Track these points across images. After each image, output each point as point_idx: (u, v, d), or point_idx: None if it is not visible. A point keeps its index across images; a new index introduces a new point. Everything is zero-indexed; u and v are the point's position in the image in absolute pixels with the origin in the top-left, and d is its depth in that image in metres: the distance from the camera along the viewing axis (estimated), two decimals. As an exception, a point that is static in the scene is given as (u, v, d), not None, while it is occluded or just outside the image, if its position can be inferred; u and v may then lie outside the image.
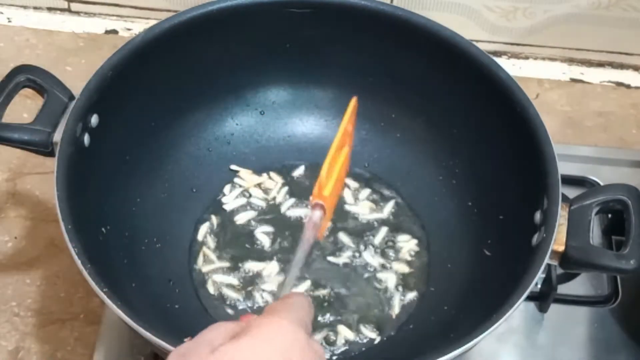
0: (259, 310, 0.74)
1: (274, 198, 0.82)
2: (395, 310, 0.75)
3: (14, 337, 0.76)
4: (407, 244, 0.79)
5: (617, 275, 0.80)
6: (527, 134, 0.71)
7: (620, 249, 0.66)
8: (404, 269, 0.78)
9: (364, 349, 0.73)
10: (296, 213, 0.81)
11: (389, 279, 0.77)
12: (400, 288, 0.77)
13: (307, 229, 0.56)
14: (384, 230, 0.80)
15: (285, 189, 0.83)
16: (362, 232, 0.80)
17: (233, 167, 0.83)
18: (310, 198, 0.57)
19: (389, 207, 0.82)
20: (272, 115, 0.86)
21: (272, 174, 0.84)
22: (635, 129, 0.96)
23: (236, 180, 0.83)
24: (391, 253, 0.79)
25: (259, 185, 0.83)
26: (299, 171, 0.84)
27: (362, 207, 0.82)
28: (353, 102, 0.59)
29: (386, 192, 0.83)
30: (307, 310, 0.53)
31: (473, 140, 0.79)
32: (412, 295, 0.77)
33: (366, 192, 0.83)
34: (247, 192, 0.82)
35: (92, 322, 0.77)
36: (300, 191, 0.83)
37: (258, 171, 0.84)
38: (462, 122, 0.80)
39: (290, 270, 0.56)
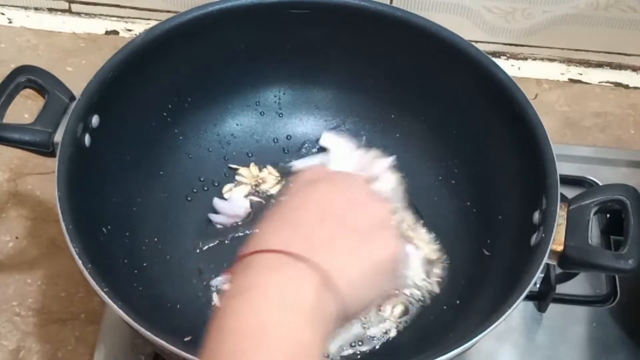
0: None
1: (273, 196, 0.83)
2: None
3: (15, 337, 0.77)
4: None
5: (616, 275, 0.80)
6: (526, 134, 0.71)
7: (618, 248, 0.66)
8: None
9: (363, 349, 0.74)
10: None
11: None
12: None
13: None
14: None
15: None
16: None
17: (232, 165, 0.84)
18: None
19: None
20: (272, 115, 0.86)
21: (272, 173, 0.84)
22: (633, 129, 0.96)
23: (237, 178, 0.83)
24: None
25: (259, 184, 0.83)
26: (295, 170, 0.84)
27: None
28: None
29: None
30: None
31: (472, 140, 0.80)
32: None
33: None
34: (248, 191, 0.83)
35: (92, 321, 0.77)
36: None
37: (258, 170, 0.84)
38: (461, 123, 0.80)
39: None
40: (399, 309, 0.74)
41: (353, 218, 0.54)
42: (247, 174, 0.83)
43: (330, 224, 0.53)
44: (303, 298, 0.48)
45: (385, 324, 0.74)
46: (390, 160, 0.80)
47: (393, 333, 0.74)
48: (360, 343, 0.73)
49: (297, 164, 0.84)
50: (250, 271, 0.50)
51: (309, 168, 0.59)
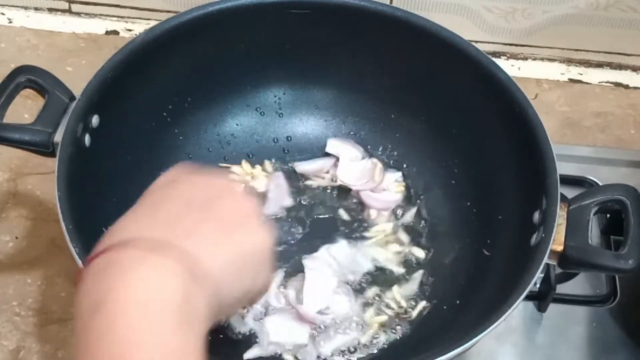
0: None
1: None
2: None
3: (15, 337, 0.77)
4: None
5: (616, 275, 0.80)
6: (526, 134, 0.71)
7: (618, 248, 0.66)
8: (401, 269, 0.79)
9: (364, 349, 0.74)
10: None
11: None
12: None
13: None
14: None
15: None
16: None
17: (223, 164, 0.83)
18: None
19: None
20: (272, 115, 0.86)
21: (265, 170, 0.84)
22: (633, 129, 0.96)
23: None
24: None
25: (255, 181, 0.83)
26: (298, 171, 0.84)
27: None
28: None
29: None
30: None
31: (472, 140, 0.80)
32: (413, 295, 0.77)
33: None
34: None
35: (92, 321, 0.77)
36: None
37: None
38: (461, 123, 0.80)
39: None
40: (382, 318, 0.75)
41: (219, 207, 0.51)
42: (241, 172, 0.83)
43: (195, 212, 0.49)
44: (168, 297, 0.43)
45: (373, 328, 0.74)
46: (398, 175, 0.82)
47: (393, 335, 0.74)
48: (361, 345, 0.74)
49: (300, 166, 0.84)
50: (105, 276, 0.44)
51: (171, 169, 0.55)
